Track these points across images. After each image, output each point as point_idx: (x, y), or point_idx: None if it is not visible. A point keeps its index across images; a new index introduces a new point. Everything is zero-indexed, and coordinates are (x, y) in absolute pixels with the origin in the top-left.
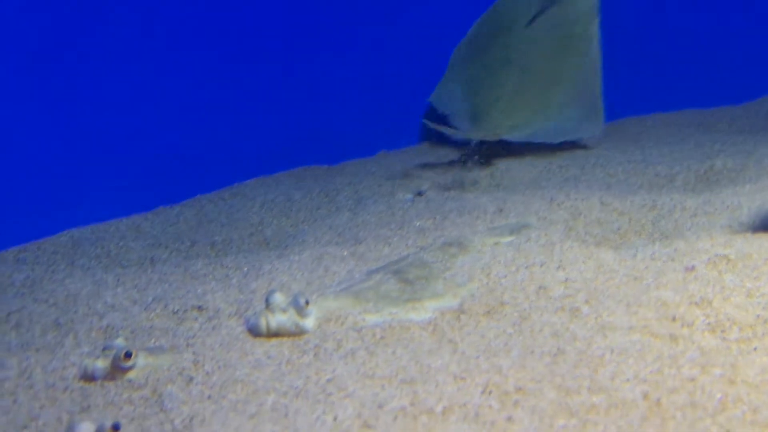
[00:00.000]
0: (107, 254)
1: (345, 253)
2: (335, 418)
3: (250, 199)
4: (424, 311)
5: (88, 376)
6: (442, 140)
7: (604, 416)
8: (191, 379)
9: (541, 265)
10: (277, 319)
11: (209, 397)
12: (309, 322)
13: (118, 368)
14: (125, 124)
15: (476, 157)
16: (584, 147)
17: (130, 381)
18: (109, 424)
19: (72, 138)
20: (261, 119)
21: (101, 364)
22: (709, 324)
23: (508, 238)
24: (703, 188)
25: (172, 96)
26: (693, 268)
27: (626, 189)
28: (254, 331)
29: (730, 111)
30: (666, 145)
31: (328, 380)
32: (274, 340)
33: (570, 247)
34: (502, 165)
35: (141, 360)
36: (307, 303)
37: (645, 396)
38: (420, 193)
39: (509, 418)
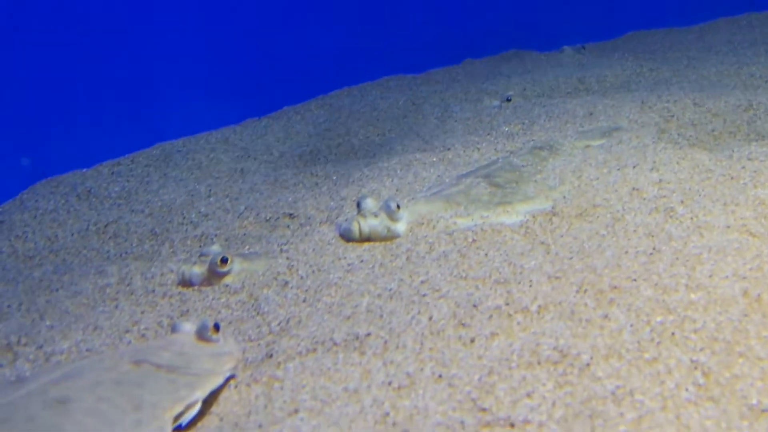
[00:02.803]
0: (198, 166)
1: (434, 159)
2: (430, 318)
3: (336, 109)
4: (515, 214)
5: (186, 282)
6: None
7: (702, 313)
8: (286, 283)
9: (634, 167)
10: (369, 224)
11: (304, 300)
12: (401, 226)
13: (214, 273)
14: (211, 39)
15: None
16: (674, 50)
17: (226, 286)
18: (210, 323)
19: (161, 53)
20: (345, 30)
21: (198, 269)
22: None
23: (599, 141)
24: None
25: (260, 10)
26: None
27: (720, 90)
28: (346, 236)
29: None
30: (761, 44)
31: (422, 282)
32: (366, 245)
33: (663, 149)
34: (591, 70)
35: (236, 265)
36: (398, 207)
37: (745, 293)
38: (507, 99)
39: (605, 316)
